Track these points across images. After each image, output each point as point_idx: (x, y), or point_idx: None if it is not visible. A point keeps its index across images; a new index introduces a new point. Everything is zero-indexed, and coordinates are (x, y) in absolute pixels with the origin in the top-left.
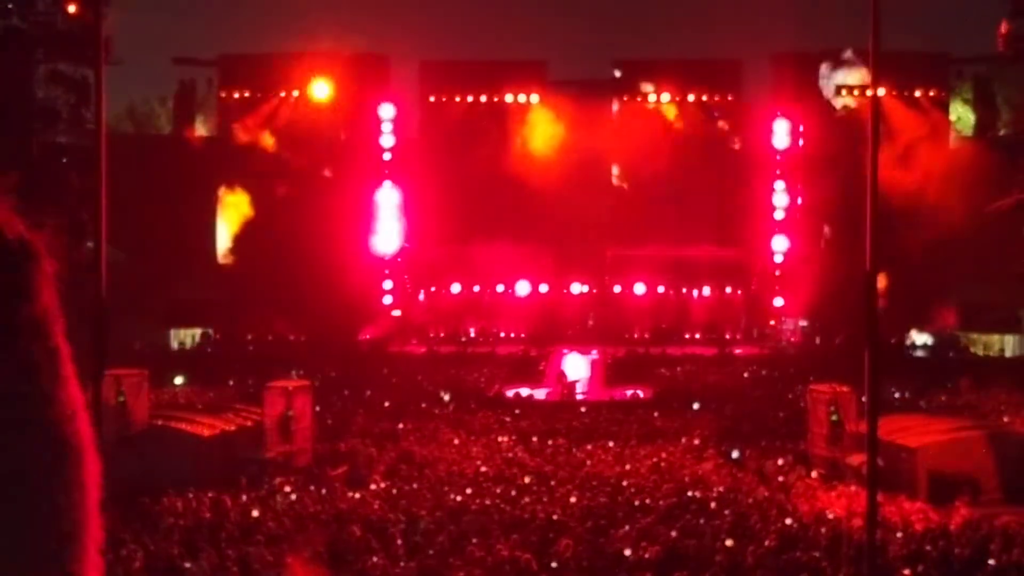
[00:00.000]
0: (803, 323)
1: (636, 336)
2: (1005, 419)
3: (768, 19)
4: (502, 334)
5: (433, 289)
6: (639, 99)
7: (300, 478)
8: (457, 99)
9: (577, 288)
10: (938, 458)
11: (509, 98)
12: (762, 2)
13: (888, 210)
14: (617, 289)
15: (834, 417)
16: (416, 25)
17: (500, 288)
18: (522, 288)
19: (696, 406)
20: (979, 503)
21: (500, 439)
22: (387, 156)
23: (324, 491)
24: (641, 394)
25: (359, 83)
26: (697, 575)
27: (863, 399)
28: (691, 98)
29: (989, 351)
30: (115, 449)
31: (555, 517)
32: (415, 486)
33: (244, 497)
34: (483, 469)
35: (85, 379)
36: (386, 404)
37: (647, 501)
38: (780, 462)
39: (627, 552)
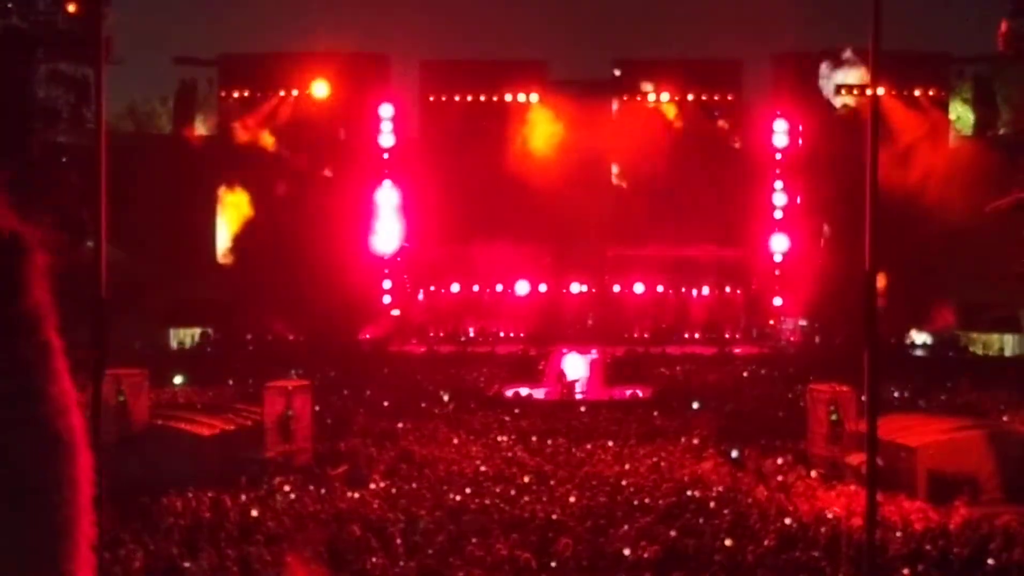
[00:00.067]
0: (803, 323)
1: (636, 336)
2: (1005, 419)
3: (768, 19)
4: (501, 334)
5: (433, 289)
6: (639, 99)
7: (300, 478)
8: (457, 99)
9: (576, 288)
10: (938, 457)
11: (509, 98)
12: (762, 2)
13: (888, 210)
14: (617, 289)
15: (834, 416)
16: (416, 25)
17: (500, 288)
18: (522, 288)
19: (696, 405)
20: (979, 502)
21: (500, 439)
22: (387, 156)
23: (324, 491)
24: (640, 394)
25: (359, 83)
26: (696, 574)
27: (863, 398)
28: (691, 98)
29: (989, 351)
30: (115, 449)
31: (554, 517)
32: (415, 486)
33: (244, 497)
34: (483, 469)
35: (84, 376)
36: (386, 404)
37: (646, 500)
38: (780, 461)
39: (626, 551)
